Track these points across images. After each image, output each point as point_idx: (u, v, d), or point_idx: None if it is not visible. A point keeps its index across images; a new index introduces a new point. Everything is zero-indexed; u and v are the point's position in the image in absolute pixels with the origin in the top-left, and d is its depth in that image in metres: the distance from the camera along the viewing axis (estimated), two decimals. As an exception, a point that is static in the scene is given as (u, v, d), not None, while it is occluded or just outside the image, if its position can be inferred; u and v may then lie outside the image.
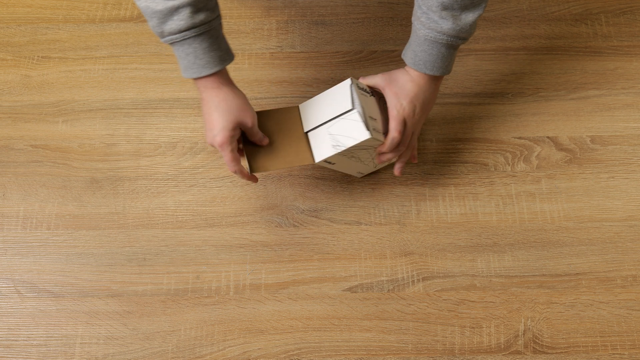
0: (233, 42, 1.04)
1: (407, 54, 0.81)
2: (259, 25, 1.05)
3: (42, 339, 0.86)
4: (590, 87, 1.00)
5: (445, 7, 0.74)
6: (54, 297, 0.88)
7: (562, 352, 0.84)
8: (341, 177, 0.94)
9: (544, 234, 0.91)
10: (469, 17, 0.75)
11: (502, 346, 0.85)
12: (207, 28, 0.73)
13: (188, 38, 0.72)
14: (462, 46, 1.03)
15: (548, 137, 0.97)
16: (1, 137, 0.98)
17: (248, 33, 1.05)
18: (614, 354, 0.84)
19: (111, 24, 1.06)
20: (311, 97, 1.00)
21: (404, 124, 0.81)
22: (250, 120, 0.78)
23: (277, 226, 0.92)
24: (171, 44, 0.74)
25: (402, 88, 0.81)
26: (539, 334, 0.85)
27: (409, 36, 1.04)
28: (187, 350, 0.85)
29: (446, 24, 0.75)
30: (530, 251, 0.90)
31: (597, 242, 0.90)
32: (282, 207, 0.93)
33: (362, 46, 1.04)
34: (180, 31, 0.72)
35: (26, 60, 1.03)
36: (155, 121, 0.99)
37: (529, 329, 0.86)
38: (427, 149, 0.96)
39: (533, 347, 0.84)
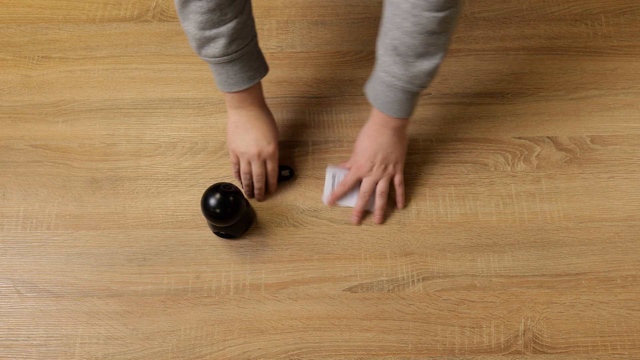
0: (233, 42, 1.04)
1: (369, 90, 0.81)
2: (259, 26, 1.05)
3: (42, 339, 0.86)
4: (590, 87, 1.00)
5: (398, 53, 0.71)
6: (54, 297, 0.88)
7: (562, 352, 0.84)
8: (341, 177, 0.94)
9: (544, 234, 0.91)
10: (424, 65, 0.72)
11: (502, 346, 0.85)
12: (240, 55, 0.78)
13: (221, 62, 0.78)
14: (462, 46, 1.03)
15: (548, 137, 0.97)
16: (1, 137, 0.98)
17: (248, 33, 1.05)
18: (614, 354, 0.84)
19: (111, 24, 1.06)
20: (311, 97, 1.00)
21: (357, 177, 0.89)
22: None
23: (277, 226, 0.91)
24: (207, 62, 0.80)
25: (359, 150, 0.88)
26: (539, 334, 0.85)
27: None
28: (187, 350, 0.85)
29: (399, 70, 0.73)
30: (530, 251, 0.90)
31: (597, 242, 0.90)
32: (282, 207, 0.93)
33: (362, 46, 1.03)
34: (215, 57, 0.77)
35: (26, 60, 1.03)
36: (155, 121, 0.98)
37: (529, 329, 0.86)
38: (427, 149, 0.96)
39: (533, 347, 0.84)
